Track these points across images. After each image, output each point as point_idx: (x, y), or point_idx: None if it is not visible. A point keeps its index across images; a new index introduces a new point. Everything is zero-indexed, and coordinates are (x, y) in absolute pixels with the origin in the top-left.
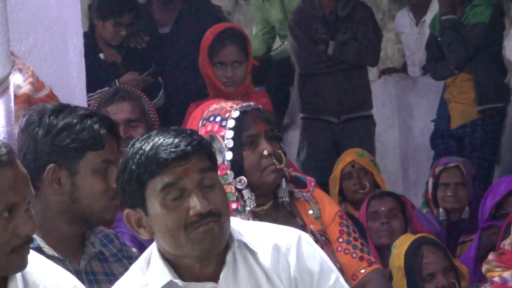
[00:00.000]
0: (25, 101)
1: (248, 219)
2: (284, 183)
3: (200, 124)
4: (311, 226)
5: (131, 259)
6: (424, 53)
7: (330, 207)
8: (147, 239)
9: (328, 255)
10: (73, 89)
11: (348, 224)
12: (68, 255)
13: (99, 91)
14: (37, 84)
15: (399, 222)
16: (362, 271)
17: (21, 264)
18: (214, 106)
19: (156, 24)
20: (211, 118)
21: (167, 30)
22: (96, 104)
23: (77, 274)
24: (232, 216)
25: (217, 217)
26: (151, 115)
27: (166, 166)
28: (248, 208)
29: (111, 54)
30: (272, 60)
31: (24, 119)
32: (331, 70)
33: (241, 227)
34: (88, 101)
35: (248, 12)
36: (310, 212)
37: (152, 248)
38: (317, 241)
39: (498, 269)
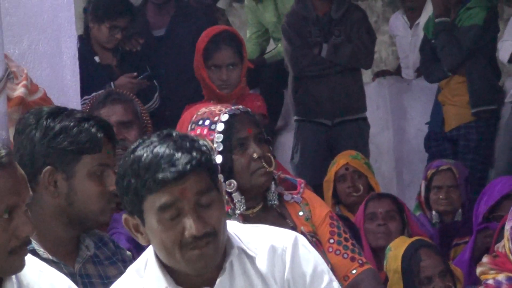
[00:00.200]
0: (18, 103)
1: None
2: (273, 186)
3: (189, 128)
4: (302, 228)
5: (126, 262)
6: (418, 56)
7: (320, 208)
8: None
9: None
10: (67, 91)
11: (338, 225)
12: (62, 258)
13: (94, 94)
14: (31, 87)
15: (396, 224)
16: (354, 271)
17: (19, 266)
18: (203, 109)
19: (150, 27)
20: (200, 122)
21: (161, 33)
22: (88, 107)
23: (72, 277)
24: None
25: (213, 236)
26: (144, 118)
27: (163, 185)
28: (238, 211)
29: (106, 57)
30: (266, 63)
31: (21, 122)
32: (325, 72)
33: (239, 231)
34: (83, 103)
35: (242, 15)
36: (300, 213)
37: (150, 252)
38: None
39: (492, 271)
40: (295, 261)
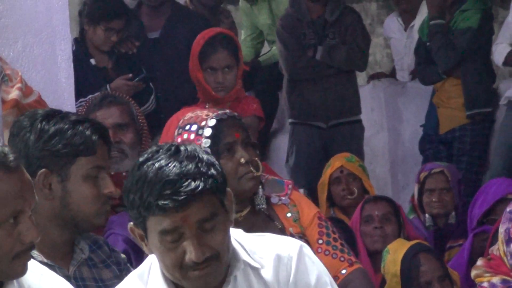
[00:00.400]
0: (13, 106)
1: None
2: (260, 190)
3: (176, 133)
4: (290, 229)
5: (120, 265)
6: (412, 58)
7: (308, 209)
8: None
9: None
10: (61, 94)
11: (327, 225)
12: (57, 260)
13: (90, 96)
14: (26, 90)
15: (392, 227)
16: (343, 271)
17: (22, 270)
18: (190, 114)
19: (145, 29)
20: (187, 127)
21: (156, 35)
22: (84, 110)
23: (66, 280)
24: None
25: (214, 259)
26: (140, 120)
27: (165, 211)
28: None
29: (102, 60)
30: (261, 66)
31: (15, 125)
32: (320, 75)
33: (244, 241)
34: (79, 106)
35: (237, 17)
36: (289, 215)
37: (154, 258)
38: None
39: (487, 274)
40: (299, 270)
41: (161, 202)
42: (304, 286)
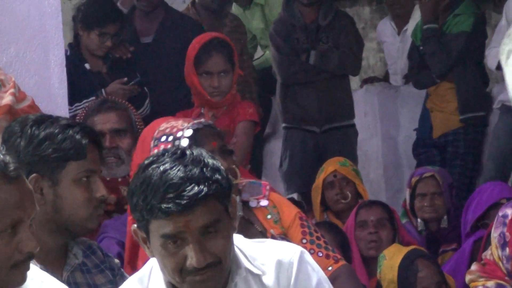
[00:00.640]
0: (6, 112)
1: None
2: (237, 198)
3: (152, 144)
4: (271, 231)
5: (114, 270)
6: (406, 62)
7: (288, 210)
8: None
9: None
10: (55, 99)
11: (309, 225)
12: (50, 266)
13: (85, 101)
14: (19, 95)
15: (387, 232)
16: (330, 268)
17: (21, 280)
18: (165, 125)
19: (138, 34)
20: (163, 138)
21: (149, 40)
22: (83, 114)
23: None
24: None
25: (215, 265)
26: (138, 126)
27: (168, 215)
28: None
29: (96, 64)
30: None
31: (6, 130)
32: (313, 79)
33: (245, 247)
34: (74, 110)
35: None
36: (269, 216)
37: (154, 262)
38: None
39: (481, 279)
40: (299, 277)
41: (164, 206)
42: None
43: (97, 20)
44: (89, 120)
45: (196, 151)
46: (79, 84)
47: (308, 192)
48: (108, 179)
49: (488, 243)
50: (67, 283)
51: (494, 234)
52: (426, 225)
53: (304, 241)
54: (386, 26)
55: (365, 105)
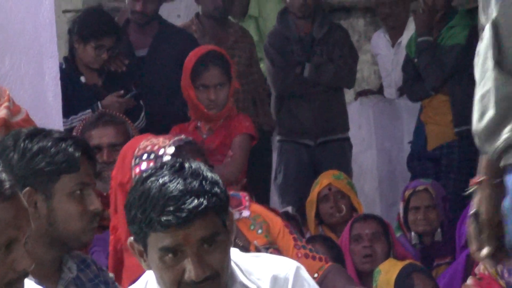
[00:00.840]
0: (1, 125)
1: None
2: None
3: (133, 163)
4: (255, 242)
5: (108, 284)
6: (400, 75)
7: (275, 219)
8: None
9: None
10: (49, 112)
11: (296, 231)
12: (44, 280)
13: (81, 113)
14: (13, 108)
15: (382, 246)
16: (323, 267)
17: None
18: (145, 143)
19: (133, 47)
20: (144, 156)
21: (144, 53)
22: (80, 127)
23: None
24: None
25: (213, 278)
26: None
27: (167, 228)
28: None
29: (92, 77)
30: None
31: (0, 144)
32: (307, 92)
33: (241, 261)
34: (71, 123)
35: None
36: (252, 227)
37: (151, 275)
38: None
39: None
40: None
41: (163, 218)
42: None
43: (93, 32)
44: (86, 134)
45: (194, 164)
46: (75, 97)
47: (303, 205)
48: (105, 194)
49: None
50: None
51: None
52: (420, 238)
53: (297, 247)
54: (380, 39)
55: (359, 118)
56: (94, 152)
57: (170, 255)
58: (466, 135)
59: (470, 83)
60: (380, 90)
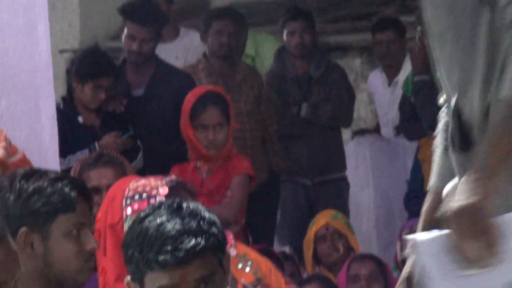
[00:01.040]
0: None
1: None
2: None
3: (123, 203)
4: (242, 280)
5: None
6: (397, 113)
7: (263, 258)
8: None
9: None
10: (45, 153)
11: (281, 269)
12: None
13: (78, 152)
14: (10, 149)
15: (379, 285)
16: None
17: None
18: (135, 184)
19: (129, 86)
20: (137, 197)
21: (141, 92)
22: (78, 167)
23: None
24: None
25: None
26: None
27: (164, 267)
28: None
29: (89, 118)
30: None
31: None
32: (304, 132)
33: None
34: (68, 163)
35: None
36: (240, 266)
37: None
38: None
39: None
40: None
41: (161, 258)
42: None
43: (91, 73)
44: (84, 174)
45: (192, 204)
46: (72, 137)
47: (300, 245)
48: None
49: None
50: None
51: None
52: None
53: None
54: (376, 77)
55: (356, 157)
56: (91, 192)
57: None
58: None
59: None
60: (377, 129)
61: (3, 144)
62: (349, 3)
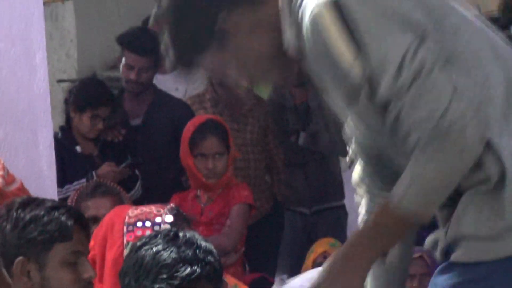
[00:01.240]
0: None
1: None
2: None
3: (125, 230)
4: None
5: None
6: None
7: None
8: None
9: None
10: (43, 182)
11: None
12: None
13: (76, 182)
14: (8, 178)
15: None
16: None
17: None
18: (135, 211)
19: (127, 116)
20: (139, 223)
21: (139, 122)
22: (75, 197)
23: None
24: None
25: None
26: None
27: None
28: None
29: (87, 147)
30: None
31: None
32: (303, 160)
33: None
34: (65, 192)
35: None
36: None
37: None
38: None
39: None
40: None
41: (156, 286)
42: None
43: (89, 102)
44: (82, 204)
45: (189, 234)
46: (70, 166)
47: (298, 273)
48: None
49: None
50: None
51: None
52: None
53: None
54: None
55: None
56: (89, 221)
57: None
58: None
59: None
60: None
61: (1, 173)
62: None
